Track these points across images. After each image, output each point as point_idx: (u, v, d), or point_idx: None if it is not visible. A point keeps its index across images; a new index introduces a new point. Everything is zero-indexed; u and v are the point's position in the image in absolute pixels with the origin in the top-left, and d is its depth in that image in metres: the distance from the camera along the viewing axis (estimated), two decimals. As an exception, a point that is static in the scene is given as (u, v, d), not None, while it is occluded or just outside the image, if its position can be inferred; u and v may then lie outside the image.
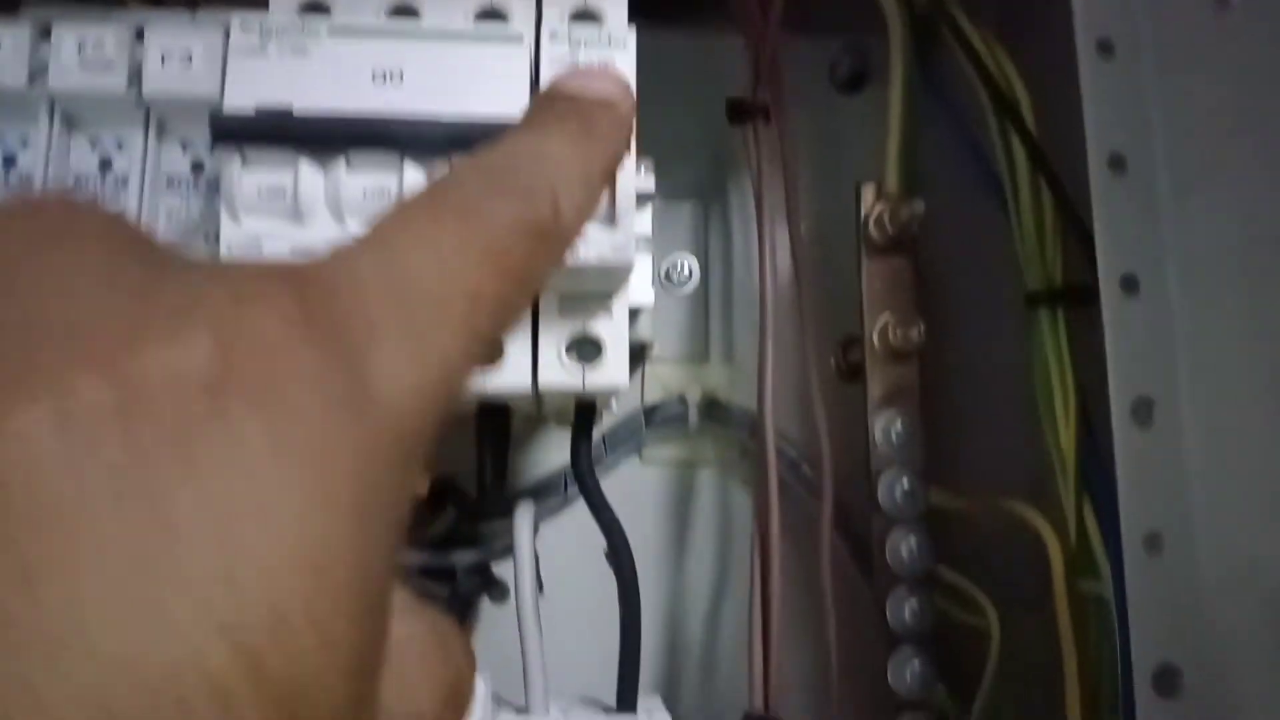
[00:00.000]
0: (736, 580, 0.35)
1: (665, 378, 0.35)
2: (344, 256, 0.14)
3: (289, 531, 0.11)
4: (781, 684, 0.29)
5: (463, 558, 0.31)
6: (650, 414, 0.34)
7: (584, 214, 0.16)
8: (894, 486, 0.31)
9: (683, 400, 0.35)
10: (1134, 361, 0.25)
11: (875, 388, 0.32)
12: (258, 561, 0.10)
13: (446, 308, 0.14)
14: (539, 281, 0.16)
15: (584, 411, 0.27)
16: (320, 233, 0.21)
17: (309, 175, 0.21)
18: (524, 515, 0.28)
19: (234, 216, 0.21)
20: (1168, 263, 0.25)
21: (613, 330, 0.24)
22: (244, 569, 0.10)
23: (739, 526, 0.36)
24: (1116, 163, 0.25)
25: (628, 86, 0.19)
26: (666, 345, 0.36)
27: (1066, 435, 0.31)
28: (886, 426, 0.31)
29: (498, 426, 0.27)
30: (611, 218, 0.22)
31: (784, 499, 0.31)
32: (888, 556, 0.31)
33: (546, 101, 0.18)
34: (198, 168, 0.23)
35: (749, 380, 0.36)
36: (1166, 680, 0.24)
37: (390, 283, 0.13)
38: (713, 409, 0.35)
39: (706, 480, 0.36)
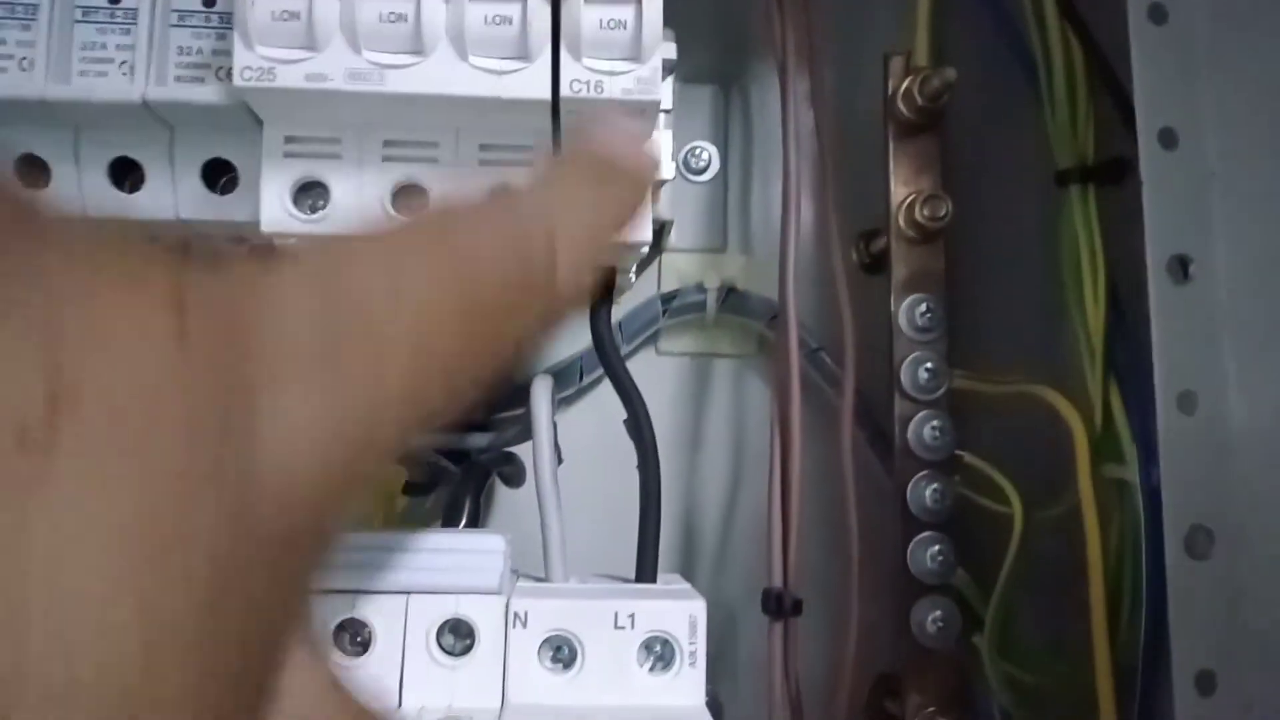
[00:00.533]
0: (752, 471, 0.35)
1: (682, 268, 0.35)
2: (281, 256, 0.11)
3: (119, 616, 0.09)
4: (800, 565, 0.29)
5: (477, 440, 0.31)
6: (667, 302, 0.34)
7: (581, 279, 0.14)
8: (917, 369, 0.30)
9: (700, 288, 0.34)
10: (1171, 217, 0.24)
11: (899, 270, 0.31)
12: (86, 634, 0.08)
13: (387, 345, 0.11)
14: (516, 342, 0.13)
15: (603, 280, 0.27)
16: (337, 60, 0.20)
17: (324, -1, 0.20)
18: (541, 385, 0.27)
19: (248, 44, 0.20)
20: (1205, 117, 0.24)
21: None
22: (75, 641, 0.08)
23: (755, 419, 0.35)
24: (1157, 13, 0.24)
25: (651, 150, 0.18)
26: (684, 236, 0.35)
27: (1095, 316, 0.30)
28: (910, 309, 0.31)
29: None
30: (637, 51, 0.21)
31: (804, 390, 0.30)
32: (909, 440, 0.30)
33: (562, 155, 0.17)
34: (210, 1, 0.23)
35: (766, 270, 0.35)
36: (1198, 540, 0.23)
37: (324, 301, 0.11)
38: (730, 298, 0.34)
39: (722, 372, 0.35)
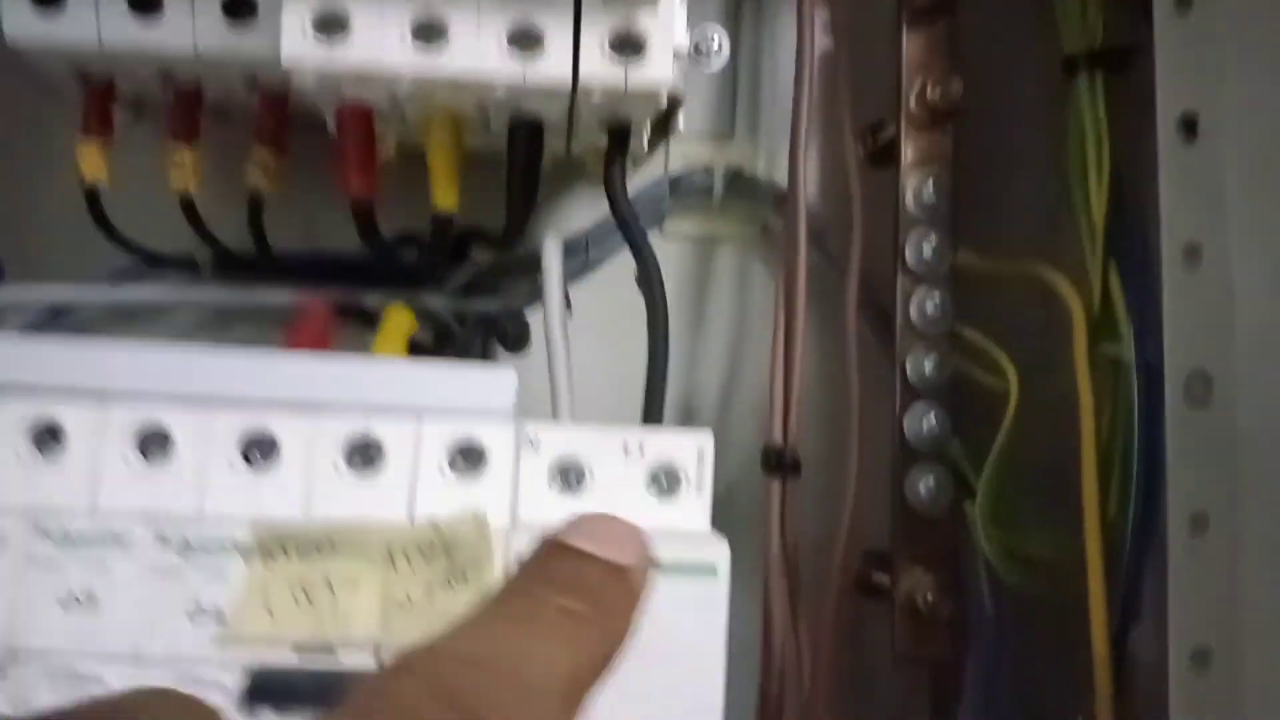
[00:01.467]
0: (754, 354, 0.35)
1: (690, 152, 0.35)
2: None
3: None
4: (799, 429, 0.29)
5: (486, 304, 0.31)
6: (675, 184, 0.34)
7: None
8: (920, 244, 0.31)
9: (708, 171, 0.34)
10: (1182, 77, 0.25)
11: (909, 153, 0.31)
12: None
13: None
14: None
15: (617, 136, 0.27)
16: None
17: None
18: (552, 241, 0.28)
19: None
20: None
21: (657, 25, 0.24)
22: None
23: (757, 302, 0.36)
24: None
25: (643, 543, 0.17)
26: (692, 120, 0.35)
27: (1098, 200, 0.31)
28: (917, 188, 0.31)
29: (529, 146, 0.27)
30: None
31: (808, 269, 0.30)
32: (910, 314, 0.31)
33: (545, 562, 0.17)
34: None
35: (772, 158, 0.36)
36: (1197, 386, 0.24)
37: None
38: (737, 182, 0.34)
39: (727, 256, 0.36)
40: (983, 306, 0.32)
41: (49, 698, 0.19)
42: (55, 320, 0.32)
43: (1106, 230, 0.31)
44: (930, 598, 0.29)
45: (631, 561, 0.17)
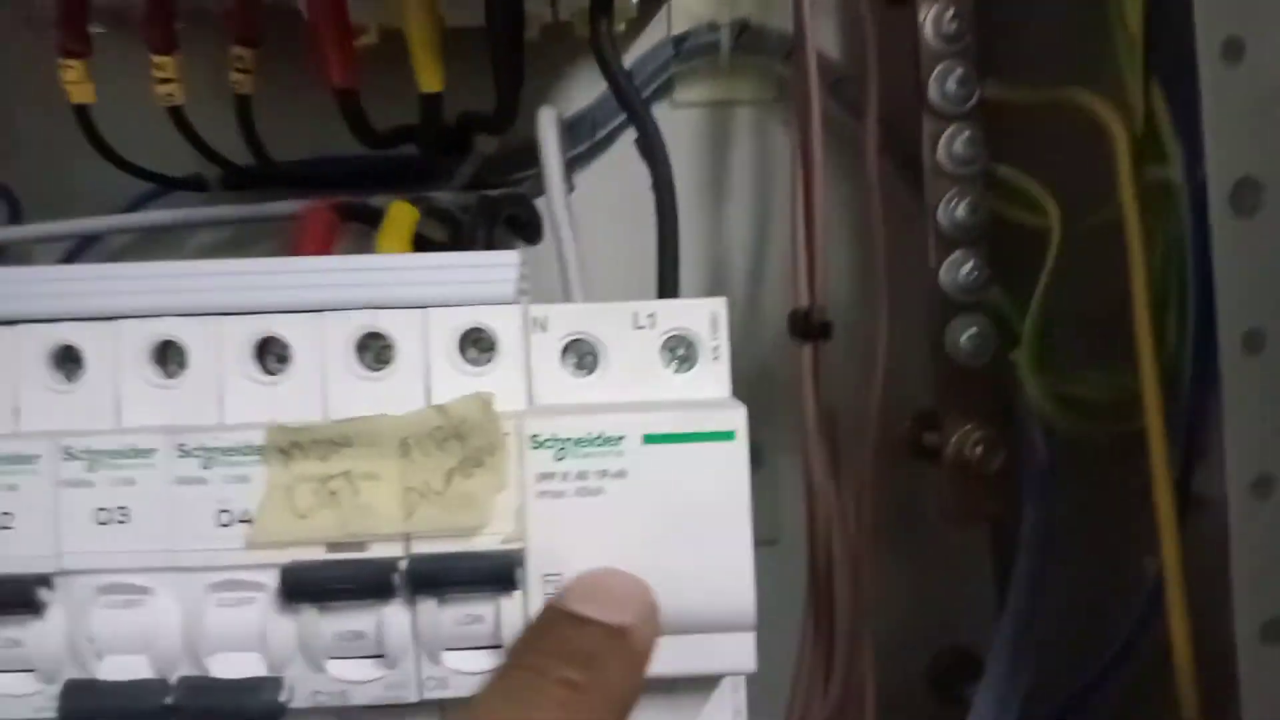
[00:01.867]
0: (778, 221, 0.34)
1: (692, 7, 0.33)
2: None
3: None
4: (825, 288, 0.28)
5: (489, 194, 0.30)
6: (678, 45, 0.32)
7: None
8: (945, 80, 0.29)
9: (713, 27, 0.32)
10: None
11: (923, -22, 0.29)
12: None
13: None
14: None
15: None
16: None
17: None
18: (546, 114, 0.26)
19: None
20: None
21: None
22: None
23: (779, 167, 0.34)
24: None
25: (645, 598, 0.17)
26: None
27: (1133, 8, 0.28)
28: (938, 17, 0.29)
29: (507, 10, 0.25)
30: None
31: (825, 125, 0.29)
32: (939, 157, 0.29)
33: (546, 630, 0.16)
34: None
35: (781, 5, 0.34)
36: (1245, 194, 0.22)
37: None
38: (745, 35, 0.32)
39: (742, 120, 0.34)
40: (1014, 141, 0.30)
41: (104, 613, 0.20)
42: (81, 254, 0.32)
43: (1145, 42, 0.28)
44: (979, 452, 0.28)
45: (631, 620, 0.17)
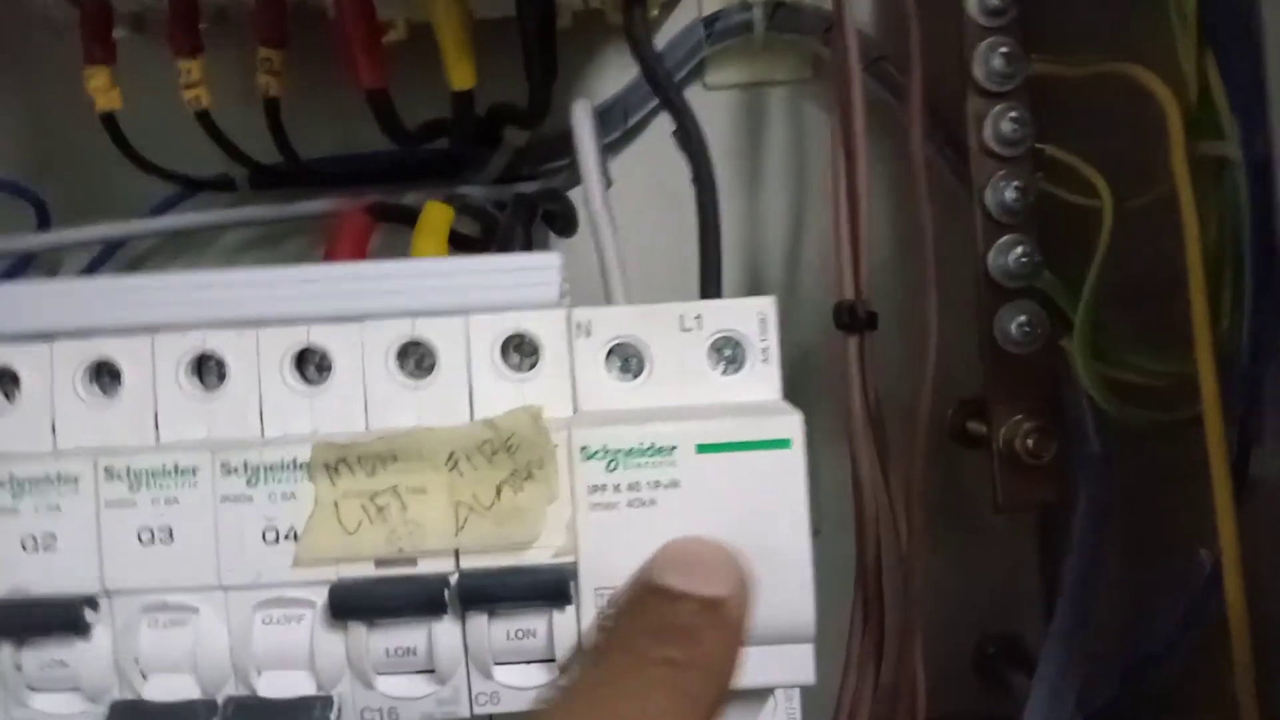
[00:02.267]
0: (816, 206, 0.33)
1: (725, -13, 0.32)
2: None
3: None
4: (870, 279, 0.27)
5: (525, 188, 0.30)
6: (710, 25, 0.31)
7: None
8: (991, 56, 0.27)
9: (745, 5, 0.31)
10: None
11: (966, -50, 0.28)
12: None
13: None
14: None
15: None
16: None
17: None
18: (581, 107, 0.26)
19: None
20: None
21: None
22: None
23: (815, 149, 0.33)
24: None
25: (736, 566, 0.16)
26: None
27: (1190, -19, 0.27)
28: (981, -10, 0.28)
29: (540, 15, 0.25)
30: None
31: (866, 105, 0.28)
32: (985, 137, 0.28)
33: (640, 609, 0.16)
34: None
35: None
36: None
37: None
38: (779, 12, 0.31)
39: (777, 102, 0.33)
40: (1061, 119, 0.29)
41: (150, 633, 0.20)
42: (109, 258, 0.32)
43: (1200, 13, 0.27)
44: (1031, 443, 0.28)
45: (725, 591, 0.16)
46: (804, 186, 0.33)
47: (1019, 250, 0.28)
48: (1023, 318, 0.28)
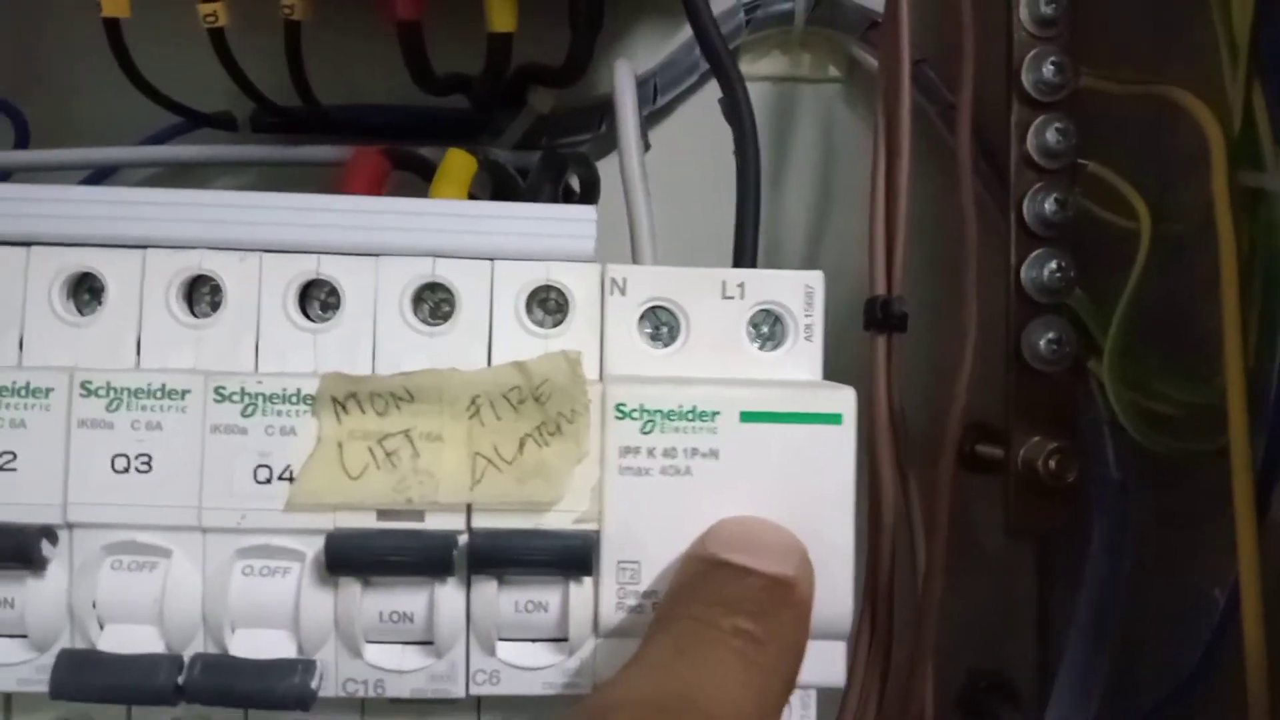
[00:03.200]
0: (836, 209, 0.32)
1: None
2: None
3: None
4: (904, 278, 0.26)
5: (555, 150, 0.28)
6: (751, 10, 0.30)
7: None
8: (1041, 66, 0.27)
9: (787, -5, 0.30)
10: None
11: (1020, -43, 0.27)
12: None
13: None
14: None
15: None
16: None
17: None
18: (623, 66, 0.24)
19: None
20: None
21: None
22: None
23: (844, 152, 0.32)
24: None
25: (801, 549, 0.16)
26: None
27: (1241, 11, 0.27)
28: (1033, 0, 0.27)
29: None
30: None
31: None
32: (1028, 147, 0.27)
33: (707, 580, 0.15)
34: None
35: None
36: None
37: None
38: (821, 7, 0.30)
39: (808, 99, 0.32)
40: (1100, 134, 0.28)
41: (112, 575, 0.18)
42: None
43: (1251, 42, 0.27)
44: (1053, 464, 0.27)
45: (794, 572, 0.16)
46: (827, 188, 0.32)
47: (1054, 264, 0.27)
48: (1052, 334, 0.27)
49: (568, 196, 0.29)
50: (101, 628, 0.18)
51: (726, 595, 0.15)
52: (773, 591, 0.15)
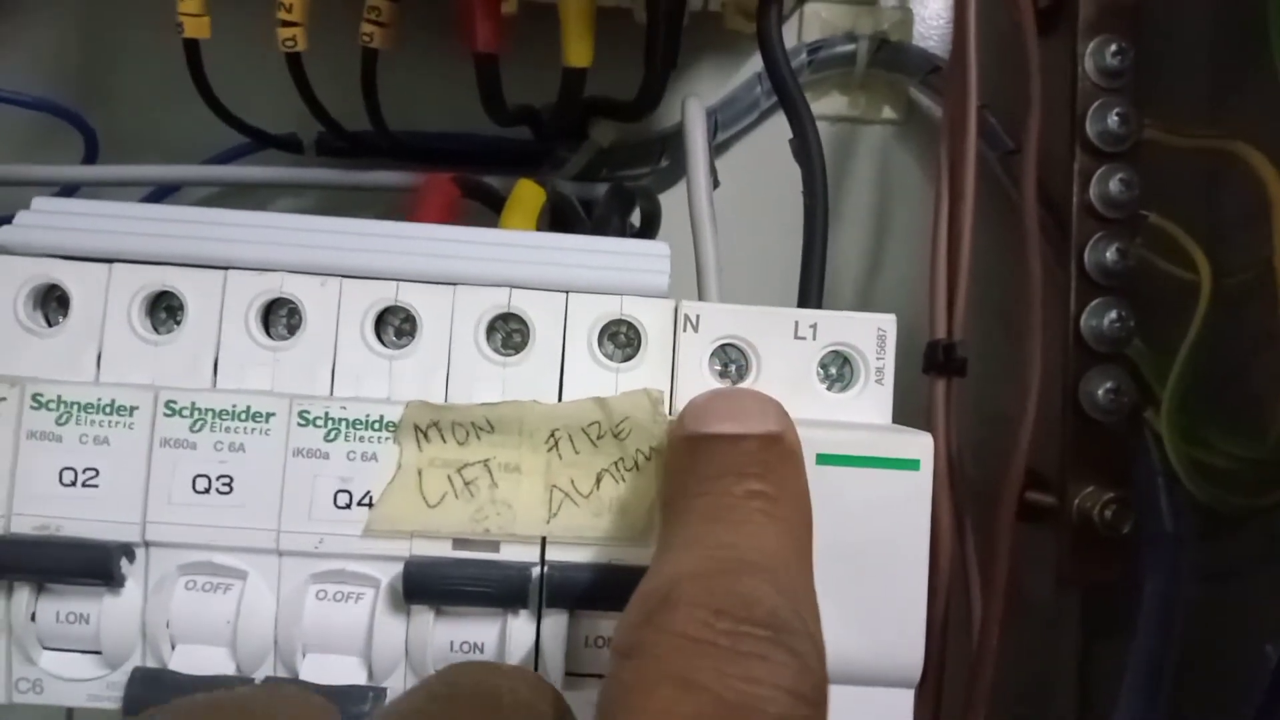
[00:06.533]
0: (891, 251, 0.32)
1: (826, 18, 0.31)
2: None
3: None
4: (964, 325, 0.26)
5: (623, 184, 0.28)
6: (815, 52, 0.30)
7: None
8: (1106, 117, 0.27)
9: (850, 37, 0.31)
10: None
11: (1087, 8, 0.27)
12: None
13: None
14: None
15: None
16: None
17: None
18: (694, 105, 0.25)
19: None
20: None
21: None
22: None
23: (898, 196, 0.32)
24: None
25: (777, 405, 0.16)
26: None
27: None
28: (1099, 50, 0.27)
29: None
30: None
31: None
32: (1091, 196, 0.27)
33: (701, 455, 0.15)
34: None
35: (923, 23, 0.32)
36: None
37: None
38: (884, 49, 0.31)
39: (866, 141, 0.33)
40: (1157, 185, 0.28)
41: (186, 595, 0.18)
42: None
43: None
44: (1108, 515, 0.26)
45: (777, 425, 0.16)
46: (882, 230, 0.33)
47: (1114, 314, 0.27)
48: (1110, 384, 0.27)
49: (631, 222, 0.29)
50: (173, 647, 0.18)
51: (729, 465, 0.15)
52: (768, 449, 0.15)
